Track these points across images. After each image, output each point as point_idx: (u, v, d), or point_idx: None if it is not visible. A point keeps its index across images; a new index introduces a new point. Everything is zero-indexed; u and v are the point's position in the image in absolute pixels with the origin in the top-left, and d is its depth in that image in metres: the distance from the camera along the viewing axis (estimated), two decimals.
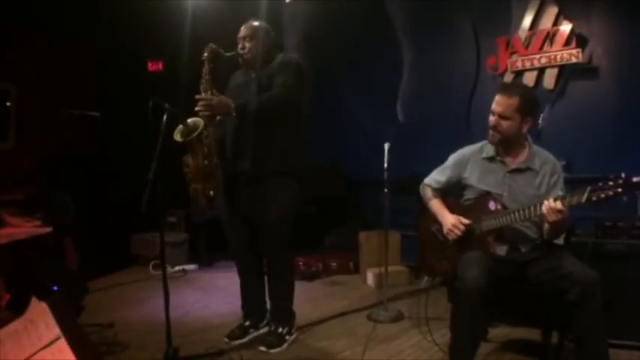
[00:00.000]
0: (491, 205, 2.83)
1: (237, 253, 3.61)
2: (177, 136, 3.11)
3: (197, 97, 3.19)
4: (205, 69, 3.26)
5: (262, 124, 3.26)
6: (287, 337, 3.44)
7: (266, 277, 3.55)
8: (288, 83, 3.29)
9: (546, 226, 2.70)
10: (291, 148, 3.39)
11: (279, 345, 3.37)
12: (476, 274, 2.55)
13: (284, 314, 3.51)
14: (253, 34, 3.36)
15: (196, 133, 3.09)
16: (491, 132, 2.85)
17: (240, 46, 3.36)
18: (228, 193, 3.43)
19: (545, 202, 2.53)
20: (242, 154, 3.33)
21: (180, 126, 3.13)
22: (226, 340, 3.47)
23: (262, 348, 3.34)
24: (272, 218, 3.32)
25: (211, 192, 3.22)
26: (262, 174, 3.32)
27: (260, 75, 3.38)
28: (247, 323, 3.56)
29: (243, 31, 3.38)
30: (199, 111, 3.14)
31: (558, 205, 2.49)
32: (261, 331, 3.58)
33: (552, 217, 2.52)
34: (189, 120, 3.15)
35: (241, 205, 3.43)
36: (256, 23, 3.42)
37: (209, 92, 3.22)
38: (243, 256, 3.59)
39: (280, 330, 3.42)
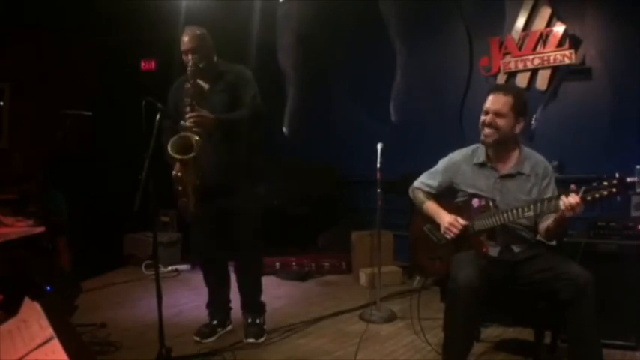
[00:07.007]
0: (475, 202, 2.83)
1: (208, 255, 3.67)
2: (173, 152, 3.01)
3: (188, 112, 3.10)
4: (190, 82, 3.17)
5: (237, 137, 3.33)
6: (265, 327, 3.60)
7: (235, 275, 3.65)
8: (257, 97, 3.39)
9: (551, 224, 2.68)
10: (257, 155, 3.53)
11: (262, 335, 3.52)
12: (469, 274, 2.54)
13: (258, 306, 3.63)
14: (200, 43, 3.28)
15: (193, 153, 3.03)
16: (486, 130, 2.80)
17: (190, 58, 3.22)
18: (202, 202, 3.33)
19: (563, 198, 2.47)
20: (215, 166, 3.30)
21: (176, 137, 3.04)
22: (197, 338, 3.50)
23: (250, 339, 3.45)
24: (249, 212, 3.45)
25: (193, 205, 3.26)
26: (236, 182, 3.39)
27: (216, 88, 3.36)
28: (215, 322, 3.64)
29: (188, 42, 3.26)
30: (191, 127, 3.07)
31: (576, 199, 2.44)
32: (228, 328, 3.69)
33: (569, 213, 2.48)
34: (181, 134, 3.07)
35: (213, 207, 3.41)
36: (200, 31, 3.31)
37: (194, 106, 3.13)
38: (212, 258, 3.66)
39: (258, 321, 3.57)
